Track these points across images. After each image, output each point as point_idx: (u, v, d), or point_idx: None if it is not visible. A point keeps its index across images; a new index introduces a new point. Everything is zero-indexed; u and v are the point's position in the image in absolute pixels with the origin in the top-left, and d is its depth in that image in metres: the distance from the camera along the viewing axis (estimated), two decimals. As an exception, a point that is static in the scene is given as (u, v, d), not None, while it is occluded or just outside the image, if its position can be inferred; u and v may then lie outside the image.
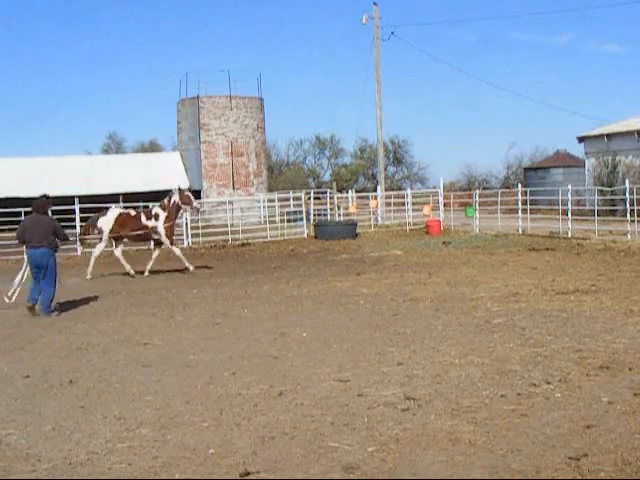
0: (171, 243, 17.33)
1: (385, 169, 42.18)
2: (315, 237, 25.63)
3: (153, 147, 66.62)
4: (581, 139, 35.40)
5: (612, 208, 26.37)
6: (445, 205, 29.31)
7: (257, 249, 23.57)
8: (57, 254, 12.07)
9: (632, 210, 20.59)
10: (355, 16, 72.42)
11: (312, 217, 30.08)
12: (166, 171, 36.33)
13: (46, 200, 12.01)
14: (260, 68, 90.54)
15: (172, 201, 17.25)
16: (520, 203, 25.07)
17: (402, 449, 5.09)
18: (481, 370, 7.02)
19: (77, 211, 24.11)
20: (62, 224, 12.86)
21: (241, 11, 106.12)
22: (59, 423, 5.95)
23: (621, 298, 10.74)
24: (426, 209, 29.12)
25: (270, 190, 40.55)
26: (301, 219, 28.14)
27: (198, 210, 18.99)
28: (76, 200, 26.63)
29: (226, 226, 26.50)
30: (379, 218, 30.98)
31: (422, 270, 15.46)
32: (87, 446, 5.40)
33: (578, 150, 39.82)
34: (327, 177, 67.82)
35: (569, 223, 22.15)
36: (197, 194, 30.35)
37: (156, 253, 17.48)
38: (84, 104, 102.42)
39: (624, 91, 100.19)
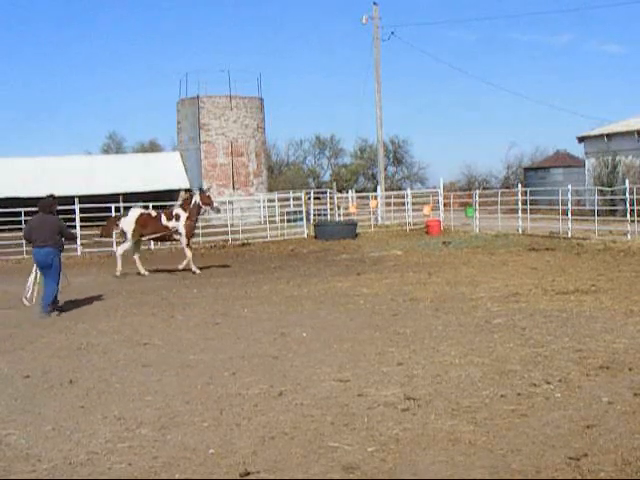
0: (187, 244, 17.36)
1: (385, 169, 42.18)
2: (315, 237, 25.64)
3: (153, 147, 66.61)
4: (581, 139, 35.41)
5: (612, 208, 26.37)
6: (445, 205, 29.32)
7: (257, 249, 23.57)
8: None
9: (632, 210, 20.59)
10: (355, 16, 72.70)
11: (312, 217, 30.08)
12: (166, 171, 36.38)
13: (52, 200, 12.21)
14: (260, 68, 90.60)
15: (193, 201, 17.34)
16: (520, 203, 25.08)
17: (402, 449, 5.09)
18: (481, 370, 7.02)
19: (77, 211, 24.10)
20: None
21: (241, 11, 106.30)
22: (59, 423, 5.95)
23: (621, 298, 10.74)
24: (426, 209, 29.12)
25: (270, 190, 40.54)
26: (301, 219, 28.14)
27: (219, 210, 18.99)
28: (76, 200, 26.66)
29: (226, 226, 26.50)
30: (379, 218, 30.98)
31: (422, 270, 15.46)
32: (87, 446, 5.40)
33: (578, 150, 39.92)
34: (327, 177, 67.83)
35: (569, 223, 22.16)
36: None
37: (189, 253, 17.30)
38: (84, 104, 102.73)
39: (624, 91, 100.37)
